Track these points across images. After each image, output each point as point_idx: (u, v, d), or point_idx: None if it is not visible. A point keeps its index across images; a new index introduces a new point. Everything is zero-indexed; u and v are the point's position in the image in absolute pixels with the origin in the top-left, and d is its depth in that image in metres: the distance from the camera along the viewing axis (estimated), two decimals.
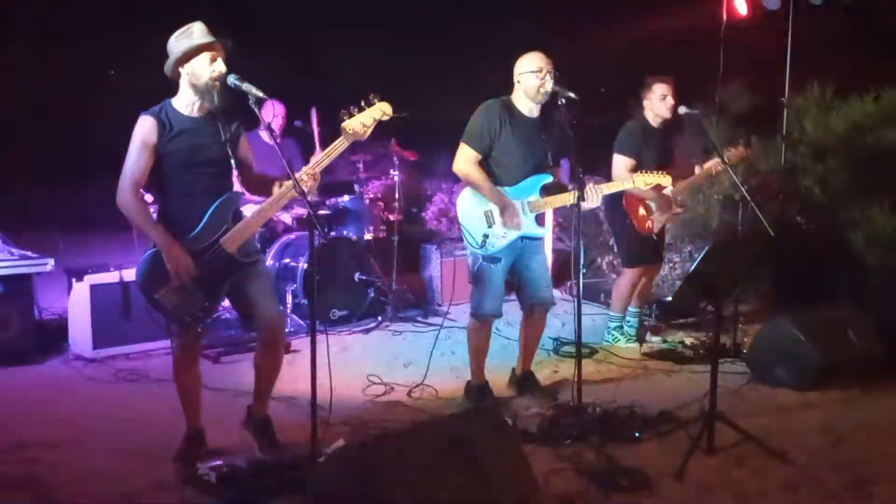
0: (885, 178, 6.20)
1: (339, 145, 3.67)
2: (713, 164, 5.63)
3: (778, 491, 3.55)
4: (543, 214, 4.60)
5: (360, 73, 9.90)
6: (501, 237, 4.45)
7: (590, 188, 4.35)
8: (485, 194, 4.45)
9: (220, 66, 3.58)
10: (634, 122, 5.73)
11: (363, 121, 3.66)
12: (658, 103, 5.60)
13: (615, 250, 7.45)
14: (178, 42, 3.58)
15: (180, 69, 3.61)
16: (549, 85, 4.37)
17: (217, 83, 3.58)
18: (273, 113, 6.65)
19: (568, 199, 4.41)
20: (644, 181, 4.60)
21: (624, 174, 5.14)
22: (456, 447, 3.05)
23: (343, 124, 3.66)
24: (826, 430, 4.21)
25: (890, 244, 5.91)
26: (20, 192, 9.18)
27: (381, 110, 3.69)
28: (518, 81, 4.51)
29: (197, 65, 3.57)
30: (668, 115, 5.63)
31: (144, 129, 3.58)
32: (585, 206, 4.33)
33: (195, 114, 3.68)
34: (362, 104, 3.67)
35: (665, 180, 4.67)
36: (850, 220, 6.21)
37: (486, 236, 4.44)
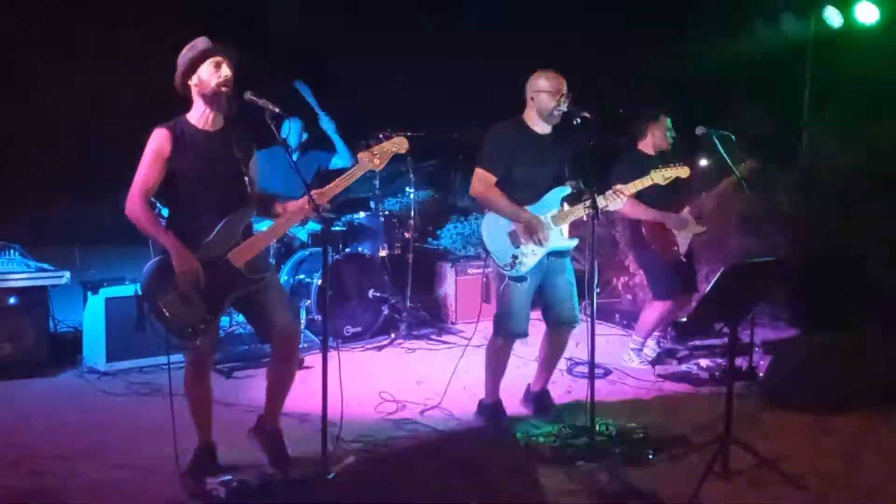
0: None
1: (354, 174, 3.73)
2: (729, 180, 5.64)
3: None
4: (569, 226, 4.56)
5: (376, 92, 9.91)
6: (532, 254, 4.41)
7: (612, 191, 4.37)
8: (506, 215, 4.41)
9: (225, 72, 3.62)
10: (629, 154, 5.74)
11: (379, 153, 3.72)
12: (663, 135, 5.66)
13: (630, 270, 7.41)
14: (184, 56, 3.65)
15: (189, 82, 3.66)
16: (564, 106, 4.35)
17: (224, 90, 3.62)
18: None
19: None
20: (662, 175, 4.52)
21: (635, 183, 4.67)
22: (466, 467, 3.03)
23: (359, 154, 3.74)
24: (843, 456, 4.15)
25: None
26: (38, 206, 9.21)
27: (397, 144, 3.75)
28: (532, 99, 4.47)
29: (203, 73, 3.62)
30: (667, 145, 5.70)
31: (159, 140, 3.63)
32: (611, 207, 4.39)
33: (209, 128, 3.71)
34: (380, 136, 3.73)
35: (683, 172, 4.58)
36: (869, 242, 6.16)
37: (515, 257, 4.38)
